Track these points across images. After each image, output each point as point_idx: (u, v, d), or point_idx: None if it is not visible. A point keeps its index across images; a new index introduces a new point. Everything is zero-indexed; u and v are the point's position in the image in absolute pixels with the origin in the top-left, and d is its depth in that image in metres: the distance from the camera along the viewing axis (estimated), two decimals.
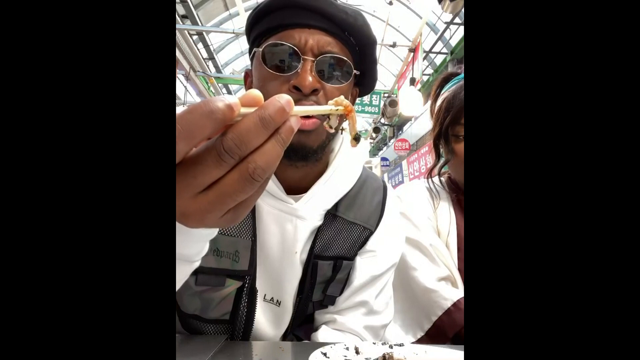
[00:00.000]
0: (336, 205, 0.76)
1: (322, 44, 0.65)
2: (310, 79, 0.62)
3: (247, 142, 0.30)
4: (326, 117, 0.40)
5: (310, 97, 0.63)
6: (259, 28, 0.69)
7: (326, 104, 0.64)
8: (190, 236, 0.41)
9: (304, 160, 0.68)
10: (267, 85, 0.65)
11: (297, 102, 0.62)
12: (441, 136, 1.04)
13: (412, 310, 0.97)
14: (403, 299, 0.99)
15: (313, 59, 0.64)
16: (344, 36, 0.68)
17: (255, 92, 0.32)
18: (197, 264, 0.48)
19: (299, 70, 0.63)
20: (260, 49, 0.66)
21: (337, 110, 0.39)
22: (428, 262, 0.98)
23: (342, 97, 0.40)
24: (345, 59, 0.67)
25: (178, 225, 0.37)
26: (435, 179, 1.13)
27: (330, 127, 0.41)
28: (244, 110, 0.30)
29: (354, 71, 0.69)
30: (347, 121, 0.40)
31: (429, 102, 1.13)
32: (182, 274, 0.47)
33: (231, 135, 0.30)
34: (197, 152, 0.31)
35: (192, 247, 0.44)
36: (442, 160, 1.09)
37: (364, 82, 0.77)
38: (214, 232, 0.44)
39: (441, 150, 1.08)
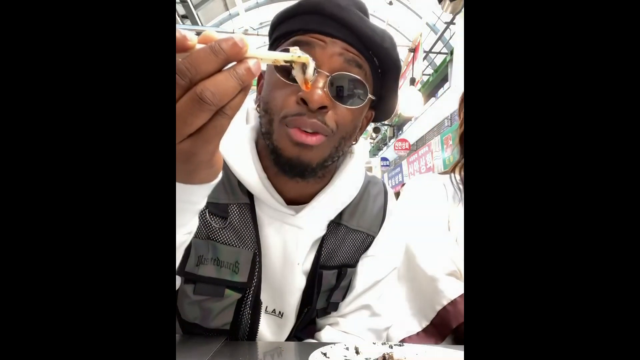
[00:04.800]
0: (340, 214, 0.74)
1: (342, 59, 0.61)
2: (319, 93, 0.58)
3: (196, 65, 0.32)
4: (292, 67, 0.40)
5: (317, 113, 0.59)
6: (280, 30, 0.65)
7: (335, 123, 0.62)
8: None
9: (300, 177, 0.64)
10: (275, 92, 0.61)
11: (303, 116, 0.59)
12: None
13: (417, 299, 0.97)
14: (408, 289, 0.99)
15: (328, 74, 0.59)
16: (368, 55, 0.63)
17: (211, 33, 0.35)
18: (185, 239, 0.47)
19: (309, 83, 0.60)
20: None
21: (299, 57, 0.39)
22: (435, 254, 0.98)
23: (295, 48, 0.40)
24: (363, 81, 0.62)
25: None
26: (457, 175, 1.11)
27: (296, 82, 0.41)
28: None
29: (369, 96, 0.64)
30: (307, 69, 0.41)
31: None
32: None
33: (183, 60, 0.33)
34: None
35: (176, 216, 0.42)
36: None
37: (381, 107, 0.73)
38: (197, 201, 0.43)
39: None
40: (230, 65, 0.34)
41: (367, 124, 0.74)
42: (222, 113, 0.35)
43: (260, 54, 0.35)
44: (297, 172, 0.63)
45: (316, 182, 0.70)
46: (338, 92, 0.61)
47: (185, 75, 0.33)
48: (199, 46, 0.33)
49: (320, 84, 0.59)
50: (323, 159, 0.63)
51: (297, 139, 0.59)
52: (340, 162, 0.74)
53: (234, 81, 0.33)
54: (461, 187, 1.08)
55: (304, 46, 0.59)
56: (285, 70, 0.59)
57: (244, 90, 0.35)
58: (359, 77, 0.62)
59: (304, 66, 0.40)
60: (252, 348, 0.68)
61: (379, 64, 0.66)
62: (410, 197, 1.09)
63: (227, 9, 9.15)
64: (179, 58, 0.33)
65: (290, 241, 0.70)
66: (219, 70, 0.33)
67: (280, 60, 0.38)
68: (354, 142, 0.72)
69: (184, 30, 0.33)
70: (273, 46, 0.67)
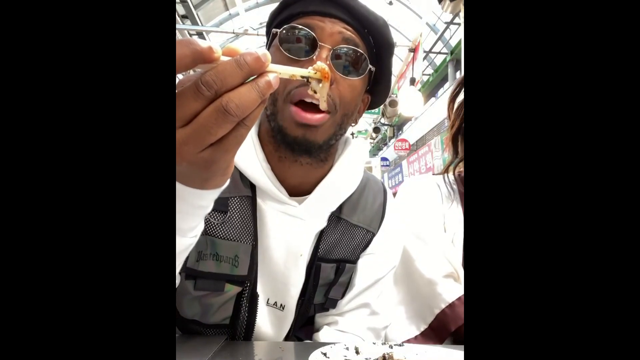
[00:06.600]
0: (340, 208, 0.75)
1: (342, 35, 0.65)
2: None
3: (222, 78, 0.34)
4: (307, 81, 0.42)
5: None
6: (281, 16, 0.69)
7: (337, 97, 0.65)
8: (183, 205, 0.42)
9: (307, 154, 0.67)
10: None
11: (307, 86, 0.61)
12: (460, 132, 1.03)
13: (415, 302, 0.97)
14: (406, 292, 0.99)
15: (330, 47, 0.64)
16: (364, 33, 0.68)
17: (235, 46, 0.36)
18: (192, 241, 0.48)
19: (314, 57, 0.63)
20: (279, 31, 0.65)
21: (315, 74, 0.41)
22: (433, 256, 0.98)
23: (319, 62, 0.43)
24: (363, 52, 0.66)
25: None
26: (450, 176, 1.11)
27: (315, 92, 0.43)
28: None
29: (370, 67, 0.68)
30: (321, 85, 0.42)
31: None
32: (177, 247, 0.47)
33: (209, 72, 0.34)
34: (180, 89, 0.35)
35: (185, 220, 0.44)
36: (458, 158, 1.08)
37: (377, 89, 0.76)
38: (207, 205, 0.45)
39: (459, 147, 1.06)
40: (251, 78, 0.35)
41: (365, 109, 0.77)
42: (242, 124, 0.36)
43: (279, 69, 0.37)
44: (304, 150, 0.66)
45: (319, 167, 0.72)
46: (341, 65, 0.65)
47: (212, 87, 0.34)
48: (223, 58, 0.35)
49: (324, 56, 0.63)
50: (328, 137, 0.67)
51: (300, 120, 0.62)
52: (339, 147, 0.77)
53: (256, 94, 0.35)
54: (455, 187, 1.08)
55: (307, 25, 0.64)
56: (290, 48, 0.64)
57: (262, 102, 0.36)
58: (359, 49, 0.66)
59: (320, 81, 0.42)
60: (252, 348, 0.68)
61: (374, 42, 0.69)
62: (405, 199, 1.09)
63: (227, 9, 9.15)
64: (204, 68, 0.34)
65: (293, 233, 0.71)
66: (242, 83, 0.35)
67: (297, 75, 0.40)
68: (353, 124, 0.74)
69: (209, 42, 0.34)
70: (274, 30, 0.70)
